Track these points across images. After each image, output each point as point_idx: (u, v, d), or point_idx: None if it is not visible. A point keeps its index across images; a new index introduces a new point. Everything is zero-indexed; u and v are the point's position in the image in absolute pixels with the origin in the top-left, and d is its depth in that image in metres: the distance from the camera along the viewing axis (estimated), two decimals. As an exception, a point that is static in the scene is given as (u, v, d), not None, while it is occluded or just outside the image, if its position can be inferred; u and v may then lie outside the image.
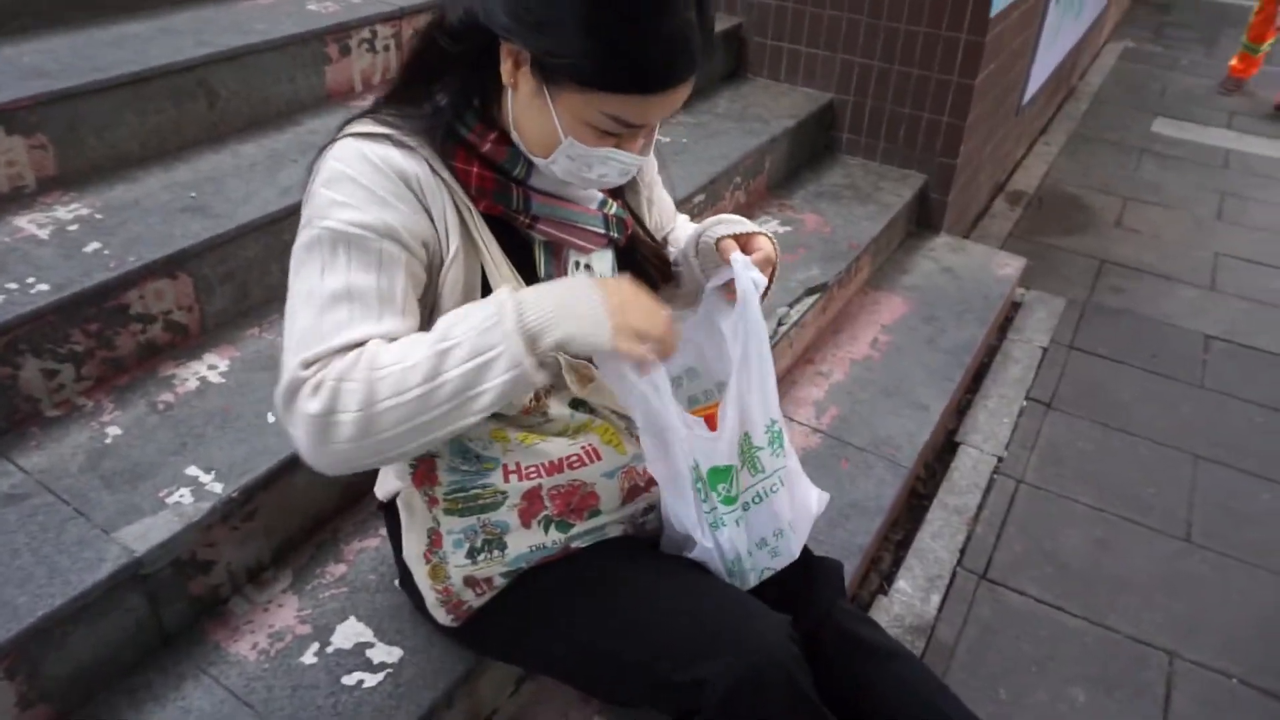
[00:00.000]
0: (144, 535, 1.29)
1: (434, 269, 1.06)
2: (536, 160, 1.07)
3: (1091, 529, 2.18)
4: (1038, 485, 2.31)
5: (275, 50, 2.08)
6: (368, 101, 1.12)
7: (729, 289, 1.20)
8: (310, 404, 0.92)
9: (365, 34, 2.27)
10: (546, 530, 1.19)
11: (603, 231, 1.17)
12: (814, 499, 1.28)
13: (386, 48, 2.33)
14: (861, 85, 3.05)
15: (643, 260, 1.29)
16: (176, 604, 1.36)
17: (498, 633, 1.24)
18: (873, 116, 3.08)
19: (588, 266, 1.19)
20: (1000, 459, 2.39)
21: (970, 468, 2.35)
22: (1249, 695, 1.79)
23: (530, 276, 1.13)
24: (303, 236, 1.01)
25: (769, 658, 1.08)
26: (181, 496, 1.35)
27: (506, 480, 1.17)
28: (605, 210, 1.19)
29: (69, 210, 1.70)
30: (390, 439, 0.93)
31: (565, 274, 1.17)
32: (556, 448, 1.18)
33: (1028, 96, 3.80)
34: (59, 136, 1.74)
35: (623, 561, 1.21)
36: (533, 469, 1.17)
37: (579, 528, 1.21)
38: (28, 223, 1.65)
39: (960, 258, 3.01)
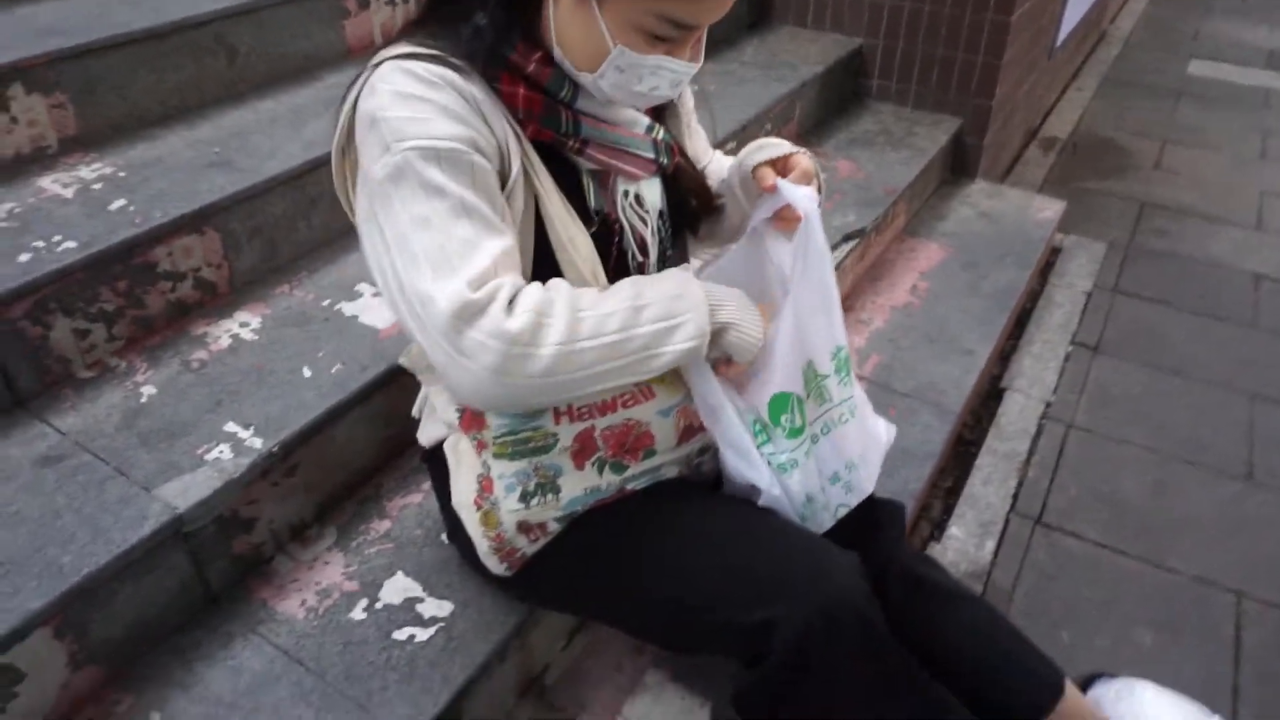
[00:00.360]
0: (184, 492, 1.25)
1: (502, 188, 1.01)
2: (582, 77, 1.01)
3: (1147, 472, 2.11)
4: (1089, 429, 2.24)
5: (292, 4, 2.02)
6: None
7: (777, 218, 1.14)
8: (512, 322, 0.90)
9: (383, -14, 2.21)
10: (601, 472, 1.15)
11: (652, 156, 1.12)
12: (882, 429, 1.22)
13: (406, 0, 2.26)
14: (891, 28, 2.95)
15: (687, 189, 1.23)
16: (220, 562, 1.33)
17: (553, 579, 1.20)
18: (904, 60, 2.99)
19: (637, 195, 1.13)
20: (1048, 404, 2.32)
21: (1018, 413, 2.28)
22: (1323, 633, 1.72)
23: (580, 207, 1.08)
24: (382, 167, 0.94)
25: (841, 597, 1.03)
26: (221, 453, 1.32)
27: (558, 422, 1.12)
28: (654, 135, 1.13)
29: (92, 169, 1.65)
30: (574, 380, 0.95)
31: (615, 204, 1.11)
32: (609, 386, 1.13)
33: (1061, 38, 3.68)
34: (78, 95, 1.69)
35: (682, 502, 1.16)
36: (585, 409, 1.12)
37: (634, 469, 1.16)
38: (51, 182, 1.60)
39: (998, 203, 2.92)
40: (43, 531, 1.19)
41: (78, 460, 1.30)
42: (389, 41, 1.04)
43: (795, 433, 1.10)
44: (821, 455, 1.14)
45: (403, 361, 1.33)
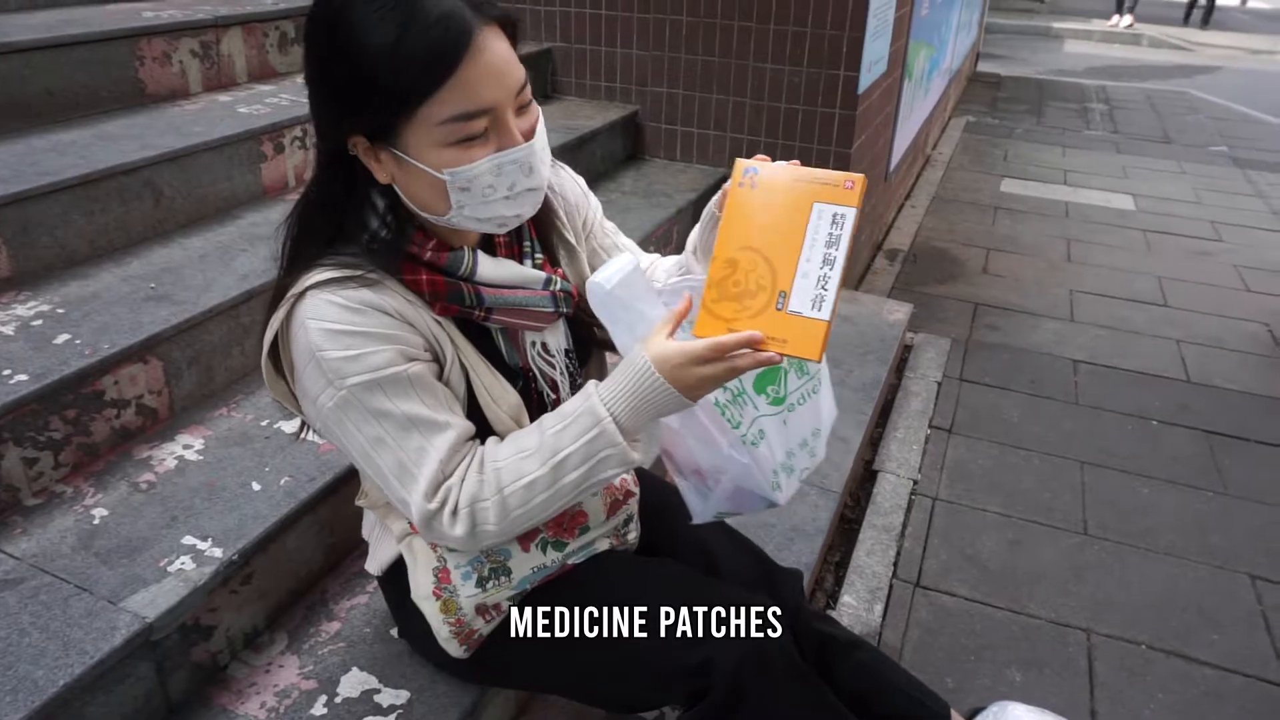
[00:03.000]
0: (153, 602, 1.32)
1: (441, 370, 1.15)
2: (453, 221, 1.08)
3: (1003, 533, 2.41)
4: (951, 500, 2.55)
5: (214, 150, 2.18)
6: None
7: None
8: (455, 529, 1.09)
9: (297, 133, 2.40)
10: (544, 551, 1.31)
11: (552, 309, 1.24)
12: (832, 403, 1.32)
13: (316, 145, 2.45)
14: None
15: (589, 325, 1.33)
16: (180, 672, 1.39)
17: (510, 654, 1.33)
18: (763, 187, 3.37)
19: (543, 344, 1.26)
20: (915, 481, 2.62)
21: (890, 491, 2.57)
22: (1158, 657, 2.02)
23: (497, 361, 1.21)
24: (329, 398, 1.05)
25: (765, 632, 1.21)
26: (183, 564, 1.40)
27: (501, 513, 1.27)
28: (551, 289, 1.23)
29: (28, 308, 1.73)
30: (528, 526, 1.13)
31: (524, 353, 1.24)
32: (546, 477, 1.29)
33: (894, 164, 4.21)
34: (12, 238, 1.78)
35: (618, 568, 1.34)
36: (526, 500, 1.28)
37: (572, 545, 1.32)
38: (-11, 322, 1.68)
39: (855, 307, 3.30)
40: (11, 650, 1.24)
41: (38, 581, 1.35)
42: (307, 267, 1.08)
43: (778, 401, 1.21)
44: (795, 423, 1.24)
45: (360, 503, 1.41)
